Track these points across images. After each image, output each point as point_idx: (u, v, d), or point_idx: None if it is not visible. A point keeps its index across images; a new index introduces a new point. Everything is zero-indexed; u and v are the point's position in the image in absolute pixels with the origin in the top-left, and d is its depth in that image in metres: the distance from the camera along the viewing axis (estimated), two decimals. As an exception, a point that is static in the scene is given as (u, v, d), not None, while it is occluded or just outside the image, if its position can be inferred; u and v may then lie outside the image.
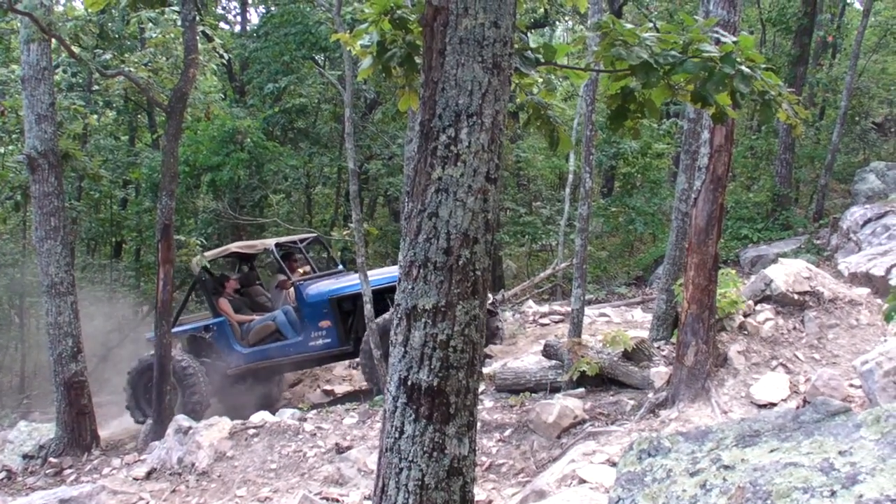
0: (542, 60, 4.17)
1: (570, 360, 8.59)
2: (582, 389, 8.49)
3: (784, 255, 13.84)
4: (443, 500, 3.23)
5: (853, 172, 18.28)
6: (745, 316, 8.59)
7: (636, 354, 8.62)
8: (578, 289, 8.99)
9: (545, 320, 12.95)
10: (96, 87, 17.89)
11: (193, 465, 8.39)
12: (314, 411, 9.85)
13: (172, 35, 11.46)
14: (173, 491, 8.03)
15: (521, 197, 23.24)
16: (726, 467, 3.33)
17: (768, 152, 19.69)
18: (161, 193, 10.28)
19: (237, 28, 23.04)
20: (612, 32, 3.92)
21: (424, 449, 3.21)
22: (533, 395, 8.82)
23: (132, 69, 10.97)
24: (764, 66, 3.99)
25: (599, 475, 5.91)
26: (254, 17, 23.82)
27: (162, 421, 9.86)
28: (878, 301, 9.07)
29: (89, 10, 11.00)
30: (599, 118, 10.77)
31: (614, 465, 5.42)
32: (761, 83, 3.96)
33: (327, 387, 12.76)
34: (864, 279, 10.10)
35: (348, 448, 8.14)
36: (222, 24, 21.91)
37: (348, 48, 4.82)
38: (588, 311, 11.84)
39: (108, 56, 12.02)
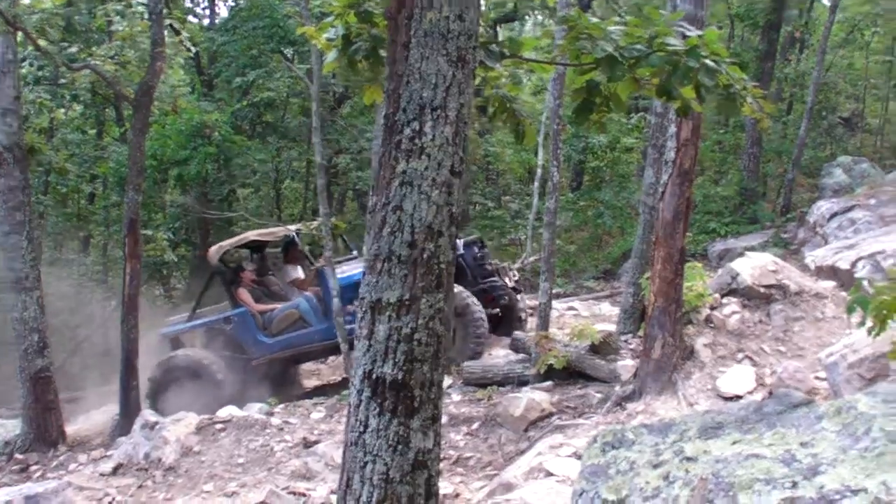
0: (508, 54, 4.17)
1: (538, 353, 8.63)
2: (549, 383, 8.53)
3: (751, 248, 13.96)
4: (407, 493, 3.22)
5: (820, 167, 18.46)
6: (712, 309, 8.63)
7: (604, 348, 8.67)
8: (546, 282, 9.01)
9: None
10: (63, 81, 17.72)
11: (160, 460, 8.34)
12: (281, 406, 9.82)
13: (139, 28, 11.32)
14: (140, 486, 7.97)
15: (490, 191, 23.26)
16: (689, 459, 3.36)
17: (736, 146, 19.86)
18: (128, 188, 10.19)
19: (206, 21, 22.86)
20: (577, 26, 3.92)
21: (389, 442, 3.20)
22: (500, 388, 8.87)
23: (99, 62, 10.84)
24: (729, 60, 4.00)
25: (566, 468, 5.96)
26: (223, 11, 23.68)
27: (129, 416, 9.79)
28: (844, 294, 9.13)
29: (55, 3, 10.87)
30: (567, 112, 10.76)
31: (581, 457, 5.46)
32: (726, 77, 3.98)
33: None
34: (830, 272, 10.19)
35: (316, 442, 8.13)
36: (191, 18, 21.72)
37: (314, 42, 4.79)
38: (556, 304, 11.87)
39: (74, 49, 11.89)
